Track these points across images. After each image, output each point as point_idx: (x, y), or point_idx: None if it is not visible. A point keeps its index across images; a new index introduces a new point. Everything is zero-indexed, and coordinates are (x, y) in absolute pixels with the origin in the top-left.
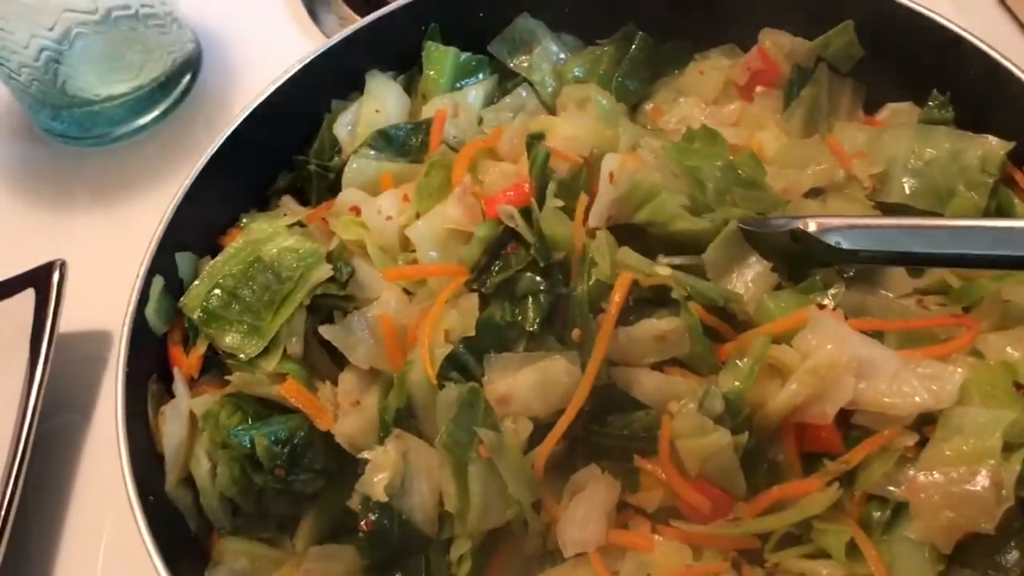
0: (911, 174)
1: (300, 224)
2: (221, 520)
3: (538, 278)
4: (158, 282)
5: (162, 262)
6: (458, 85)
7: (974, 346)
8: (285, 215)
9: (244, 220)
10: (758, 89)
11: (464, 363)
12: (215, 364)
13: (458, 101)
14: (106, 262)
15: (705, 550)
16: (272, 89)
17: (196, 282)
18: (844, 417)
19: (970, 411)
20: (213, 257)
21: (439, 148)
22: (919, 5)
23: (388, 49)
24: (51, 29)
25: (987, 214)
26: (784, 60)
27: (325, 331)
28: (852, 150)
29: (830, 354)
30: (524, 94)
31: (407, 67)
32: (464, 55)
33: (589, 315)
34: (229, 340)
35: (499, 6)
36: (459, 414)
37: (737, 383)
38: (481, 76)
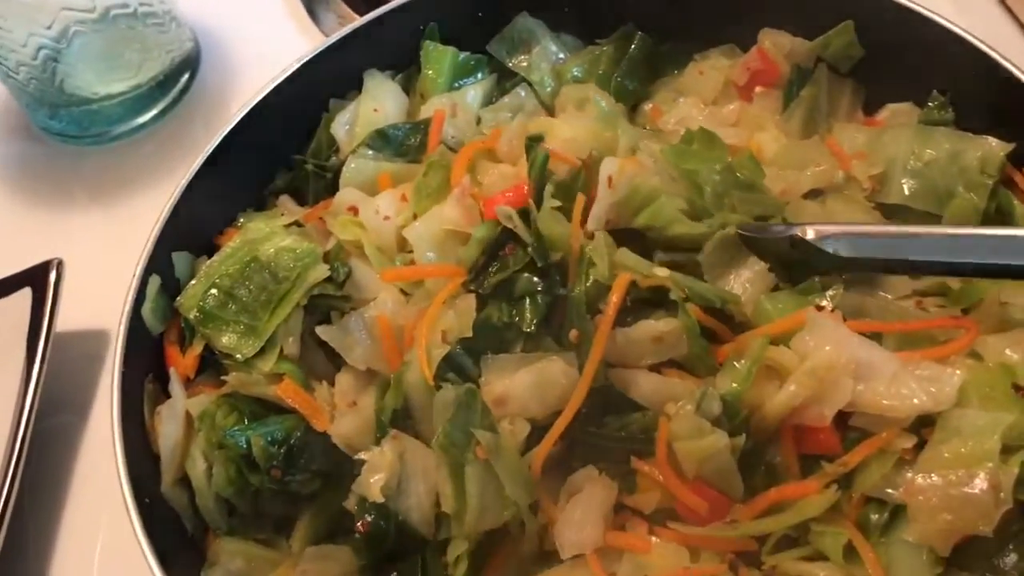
0: (910, 175)
1: (297, 224)
2: (217, 520)
3: (535, 279)
4: (155, 281)
5: (159, 261)
6: (457, 85)
7: (973, 348)
8: (282, 215)
9: (241, 220)
10: (757, 89)
11: (461, 364)
12: (211, 364)
13: (456, 101)
14: (103, 261)
15: (702, 552)
16: (270, 88)
17: (193, 282)
18: (842, 419)
19: (968, 413)
20: (210, 257)
21: (437, 148)
22: (919, 5)
23: (387, 48)
24: (49, 27)
25: (986, 215)
26: (784, 60)
27: (322, 331)
28: (852, 151)
29: (828, 356)
30: (523, 94)
31: (405, 66)
32: (463, 54)
33: (587, 316)
34: (225, 340)
35: (498, 5)
36: (456, 415)
37: (735, 385)
38: (480, 76)
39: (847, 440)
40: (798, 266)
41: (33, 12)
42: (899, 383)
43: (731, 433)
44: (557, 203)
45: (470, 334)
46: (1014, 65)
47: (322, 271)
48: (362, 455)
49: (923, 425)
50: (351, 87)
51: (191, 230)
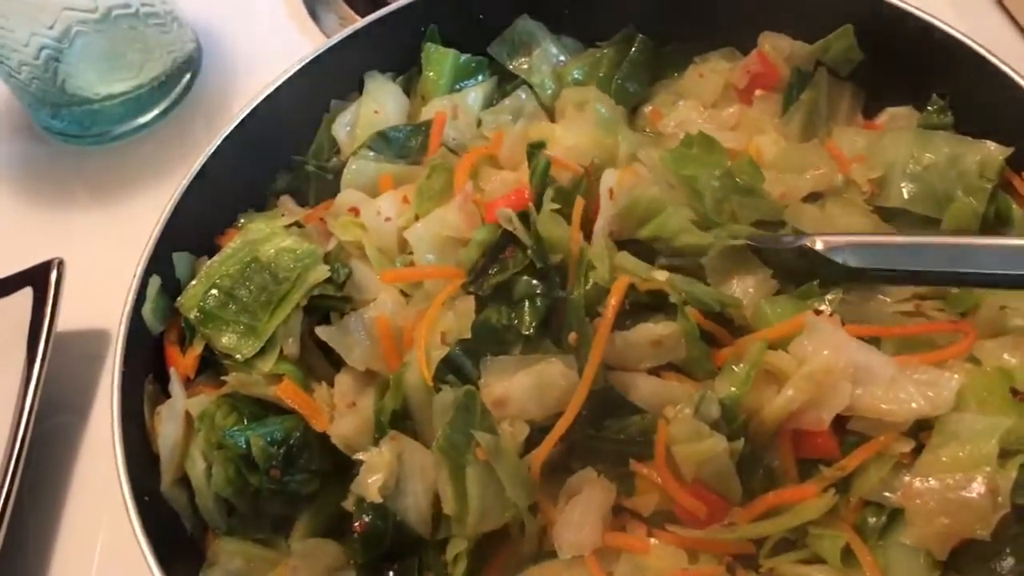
0: (910, 179)
1: (298, 225)
2: (216, 520)
3: (535, 281)
4: (155, 282)
5: (160, 261)
6: (457, 87)
7: (971, 352)
8: (283, 215)
9: (242, 220)
10: (757, 93)
11: (460, 365)
12: (211, 364)
13: (457, 103)
14: (104, 261)
15: (700, 554)
16: (271, 89)
17: (193, 282)
18: (840, 423)
19: (966, 417)
20: (210, 257)
21: (439, 151)
22: (919, 9)
23: (388, 50)
24: (51, 27)
25: (985, 219)
26: (783, 64)
27: (322, 332)
28: (851, 154)
29: (826, 360)
30: (523, 96)
31: (406, 68)
32: (463, 56)
33: (585, 319)
34: (225, 340)
35: (499, 7)
36: (456, 417)
37: (733, 388)
38: (480, 78)
39: (845, 444)
40: (806, 277)
41: (35, 12)
42: (897, 387)
43: (729, 437)
44: (556, 205)
45: (469, 336)
46: (1013, 69)
47: (322, 272)
48: (360, 455)
49: (921, 429)
50: (352, 88)
51: (192, 230)
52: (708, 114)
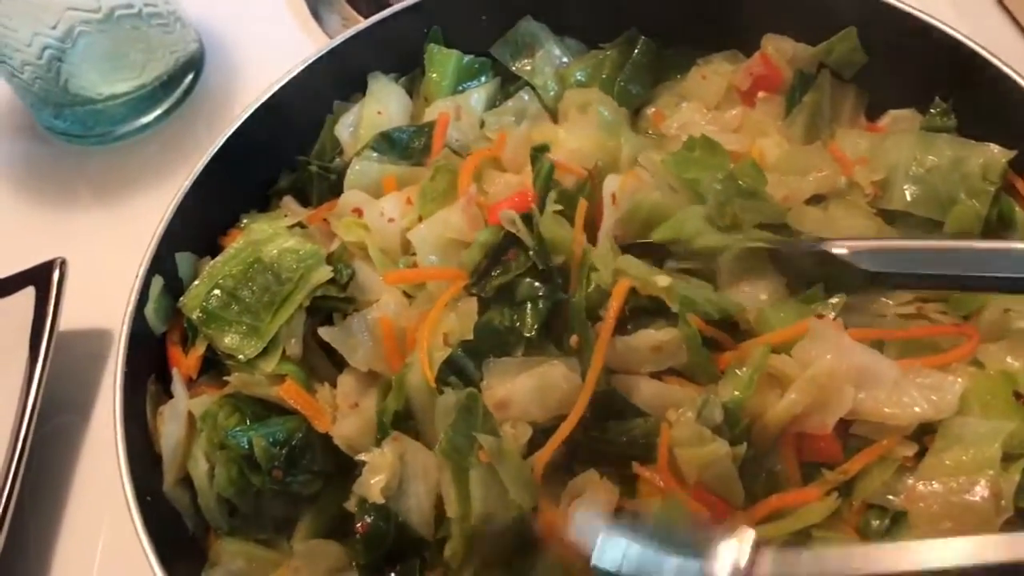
0: (913, 181)
1: (301, 225)
2: (218, 521)
3: (537, 283)
4: (157, 282)
5: (162, 262)
6: (460, 88)
7: (974, 356)
8: (286, 216)
9: (245, 220)
10: (760, 95)
11: (462, 366)
12: (214, 365)
13: (460, 104)
14: (107, 261)
15: None
16: (274, 89)
17: (196, 282)
18: (843, 427)
19: (970, 421)
20: (213, 257)
21: (442, 152)
22: (922, 12)
23: (391, 50)
24: (54, 27)
25: (988, 222)
26: (786, 66)
27: (324, 333)
28: (854, 157)
29: (830, 364)
30: (526, 98)
31: (409, 69)
32: (467, 58)
33: (587, 322)
34: (228, 341)
35: (502, 9)
36: (458, 420)
37: (736, 392)
38: (483, 79)
39: (848, 448)
40: (815, 280)
41: (38, 12)
42: (900, 391)
43: (732, 441)
44: (559, 207)
45: (471, 337)
46: (1016, 73)
47: (325, 272)
48: (363, 456)
49: (924, 433)
50: (355, 89)
51: (194, 230)
52: (711, 116)
